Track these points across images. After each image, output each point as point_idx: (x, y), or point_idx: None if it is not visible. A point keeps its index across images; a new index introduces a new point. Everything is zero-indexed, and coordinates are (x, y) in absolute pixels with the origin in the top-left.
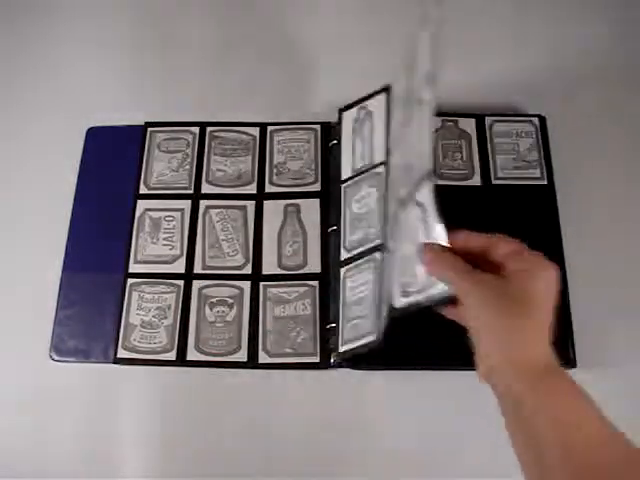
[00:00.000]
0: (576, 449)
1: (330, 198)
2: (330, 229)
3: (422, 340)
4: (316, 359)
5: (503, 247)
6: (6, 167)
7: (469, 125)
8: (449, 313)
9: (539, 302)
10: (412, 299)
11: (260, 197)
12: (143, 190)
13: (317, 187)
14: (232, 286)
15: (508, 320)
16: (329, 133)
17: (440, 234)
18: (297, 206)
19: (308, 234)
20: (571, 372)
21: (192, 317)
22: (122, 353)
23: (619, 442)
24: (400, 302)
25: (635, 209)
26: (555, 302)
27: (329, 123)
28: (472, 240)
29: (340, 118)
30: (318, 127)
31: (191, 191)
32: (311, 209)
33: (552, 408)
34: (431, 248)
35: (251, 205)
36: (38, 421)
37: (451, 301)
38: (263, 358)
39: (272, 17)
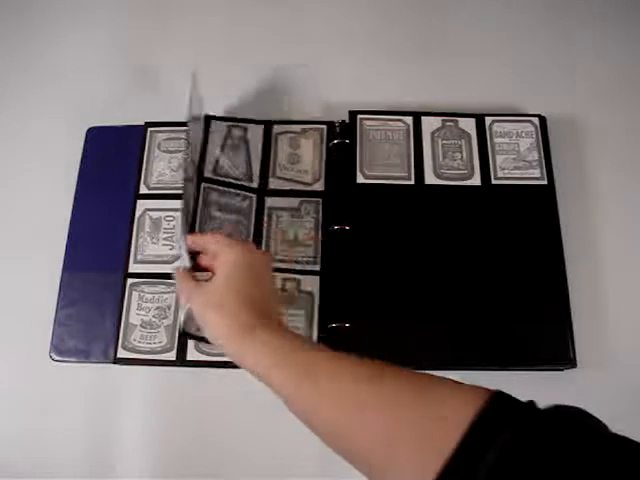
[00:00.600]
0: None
1: (332, 198)
2: (331, 228)
3: (419, 340)
4: None
5: (211, 245)
6: (6, 167)
7: (469, 125)
8: None
9: (225, 283)
10: (181, 317)
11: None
12: (143, 190)
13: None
14: None
15: (206, 311)
16: (333, 133)
17: (184, 259)
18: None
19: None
20: (571, 372)
21: None
22: (122, 353)
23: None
24: (180, 321)
25: (636, 209)
26: (244, 271)
27: (333, 122)
28: (196, 245)
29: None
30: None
31: None
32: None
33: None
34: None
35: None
36: (38, 421)
37: None
38: None
39: (272, 16)
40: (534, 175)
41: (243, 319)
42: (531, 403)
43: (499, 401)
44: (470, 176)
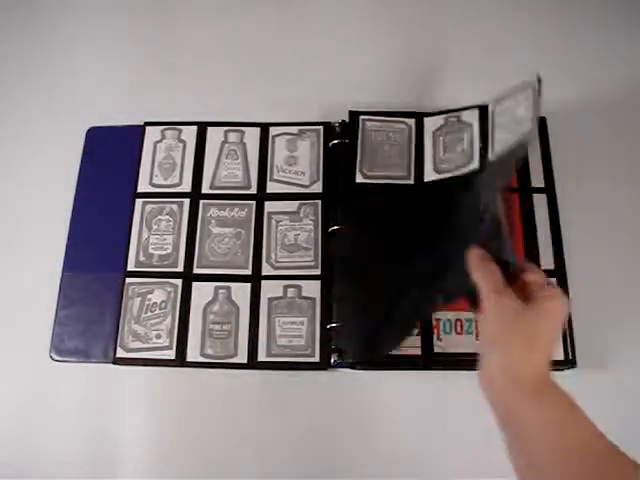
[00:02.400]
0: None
1: (332, 199)
2: (331, 229)
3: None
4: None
5: (532, 275)
6: (6, 167)
7: (472, 116)
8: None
9: (547, 330)
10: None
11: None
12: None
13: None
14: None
15: (516, 342)
16: (331, 133)
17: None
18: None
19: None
20: (571, 372)
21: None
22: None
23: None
24: None
25: (636, 210)
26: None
27: (329, 123)
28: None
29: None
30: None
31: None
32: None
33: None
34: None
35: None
36: (38, 421)
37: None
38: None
39: (271, 17)
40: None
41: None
42: None
43: None
44: (469, 163)
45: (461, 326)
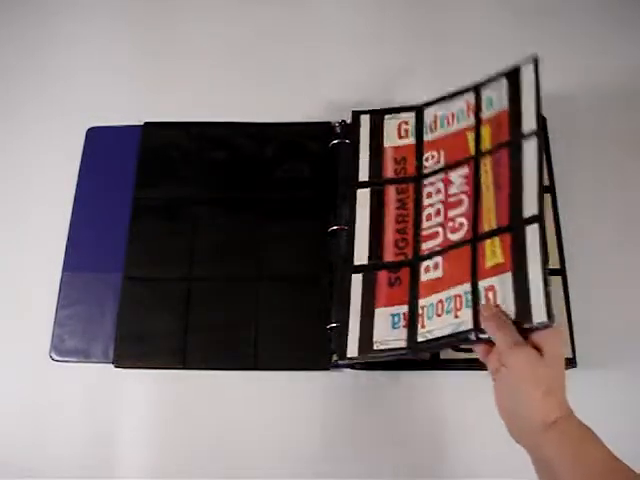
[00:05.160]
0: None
1: (331, 198)
2: (330, 229)
3: None
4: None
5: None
6: (6, 167)
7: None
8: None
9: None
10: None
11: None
12: None
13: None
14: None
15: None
16: (331, 133)
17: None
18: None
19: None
20: (571, 372)
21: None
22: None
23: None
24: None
25: (635, 209)
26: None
27: (329, 123)
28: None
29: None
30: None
31: None
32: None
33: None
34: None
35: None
36: (38, 421)
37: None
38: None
39: (272, 16)
40: None
41: (556, 412)
42: None
43: None
44: None
45: (442, 307)
